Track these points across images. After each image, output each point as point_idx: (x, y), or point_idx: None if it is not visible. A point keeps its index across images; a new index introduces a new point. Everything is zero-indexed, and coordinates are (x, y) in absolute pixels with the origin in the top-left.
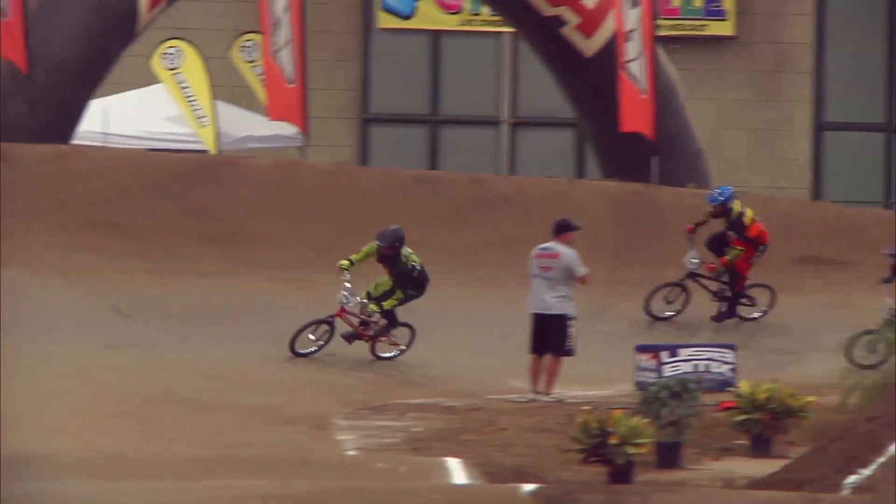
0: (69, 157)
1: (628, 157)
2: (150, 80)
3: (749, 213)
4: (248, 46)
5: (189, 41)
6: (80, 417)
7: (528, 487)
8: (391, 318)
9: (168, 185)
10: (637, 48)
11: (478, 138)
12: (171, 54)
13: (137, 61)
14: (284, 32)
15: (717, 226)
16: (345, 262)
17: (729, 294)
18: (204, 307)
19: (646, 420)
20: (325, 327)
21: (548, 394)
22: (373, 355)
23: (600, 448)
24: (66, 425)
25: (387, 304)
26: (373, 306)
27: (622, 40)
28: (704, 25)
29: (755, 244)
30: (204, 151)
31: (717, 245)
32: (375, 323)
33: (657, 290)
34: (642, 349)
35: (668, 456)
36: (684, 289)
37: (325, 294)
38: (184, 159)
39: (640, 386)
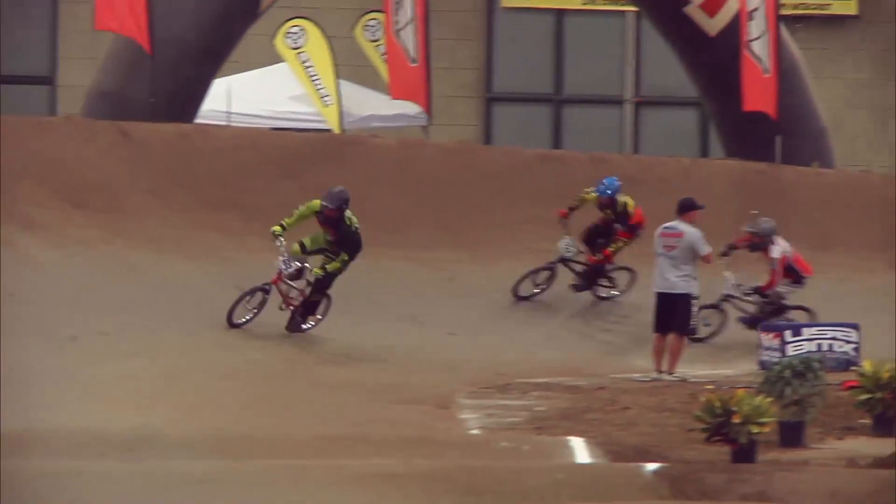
0: (192, 137)
1: (751, 137)
2: (274, 59)
3: (630, 201)
4: (372, 25)
5: (313, 20)
6: (204, 396)
7: (651, 467)
8: (325, 284)
9: (291, 164)
10: (760, 27)
11: (601, 117)
12: (294, 33)
13: (261, 40)
14: (407, 11)
15: (593, 216)
16: (277, 228)
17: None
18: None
19: (769, 399)
20: (260, 296)
21: (671, 373)
22: (290, 330)
23: (723, 427)
24: (191, 404)
25: (330, 267)
26: (317, 270)
27: (745, 19)
28: (828, 4)
29: (636, 231)
30: (327, 131)
31: (594, 237)
32: (302, 293)
33: (529, 274)
34: (766, 328)
35: (791, 435)
36: (553, 273)
37: (450, 272)
38: (307, 138)
39: (764, 365)
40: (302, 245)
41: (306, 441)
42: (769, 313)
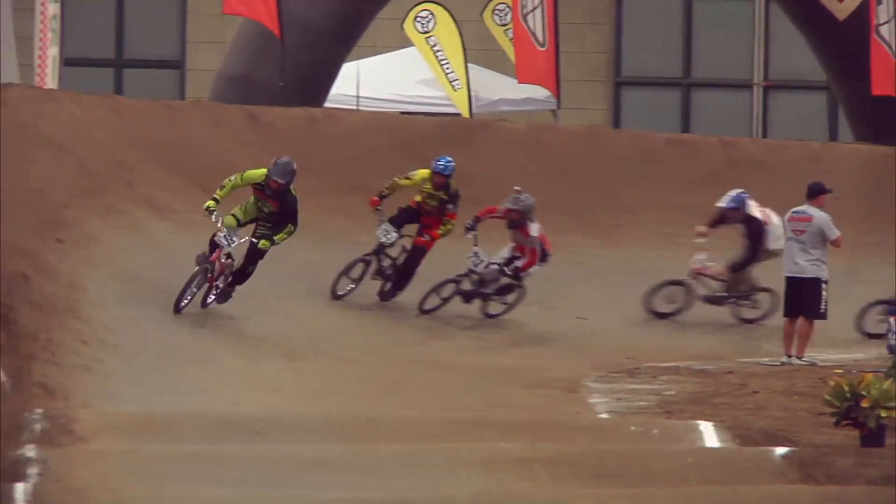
0: (320, 121)
1: (880, 121)
2: (403, 43)
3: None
4: (501, 10)
5: (442, 4)
6: (331, 380)
7: (781, 451)
8: (262, 255)
9: (419, 148)
10: (888, 11)
11: (730, 101)
12: (424, 18)
13: (390, 24)
14: None
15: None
16: (211, 203)
17: (395, 272)
18: (457, 264)
19: None
20: (361, 267)
21: (800, 357)
22: (219, 301)
23: (852, 411)
24: (317, 388)
25: (278, 238)
26: (265, 242)
27: (874, 3)
28: None
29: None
30: (456, 115)
31: (404, 219)
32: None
33: (344, 269)
34: (894, 311)
35: None
36: (369, 264)
37: (579, 256)
38: (436, 122)
39: (892, 349)
40: (236, 218)
41: (432, 425)
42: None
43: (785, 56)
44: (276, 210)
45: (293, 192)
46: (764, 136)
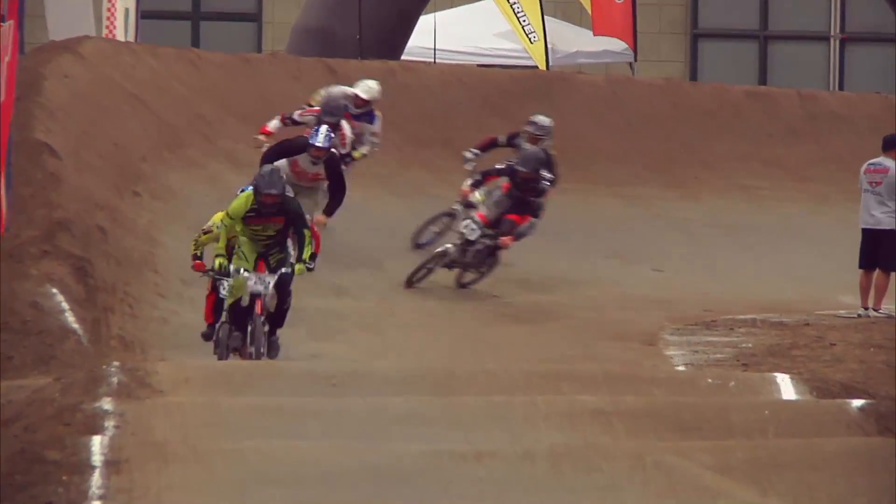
0: (398, 74)
1: None
2: None
3: None
4: None
5: None
6: (412, 333)
7: (858, 403)
8: (288, 287)
9: (498, 101)
10: None
11: (807, 54)
12: None
13: None
14: None
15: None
16: (223, 261)
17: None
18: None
19: None
20: (445, 220)
21: (877, 310)
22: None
23: None
24: (399, 341)
25: (307, 256)
26: (300, 267)
27: None
28: None
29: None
30: (533, 67)
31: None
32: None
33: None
34: None
35: None
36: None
37: (658, 209)
38: (513, 75)
39: None
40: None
41: (511, 377)
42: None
43: (861, 9)
44: (282, 226)
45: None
46: (840, 88)
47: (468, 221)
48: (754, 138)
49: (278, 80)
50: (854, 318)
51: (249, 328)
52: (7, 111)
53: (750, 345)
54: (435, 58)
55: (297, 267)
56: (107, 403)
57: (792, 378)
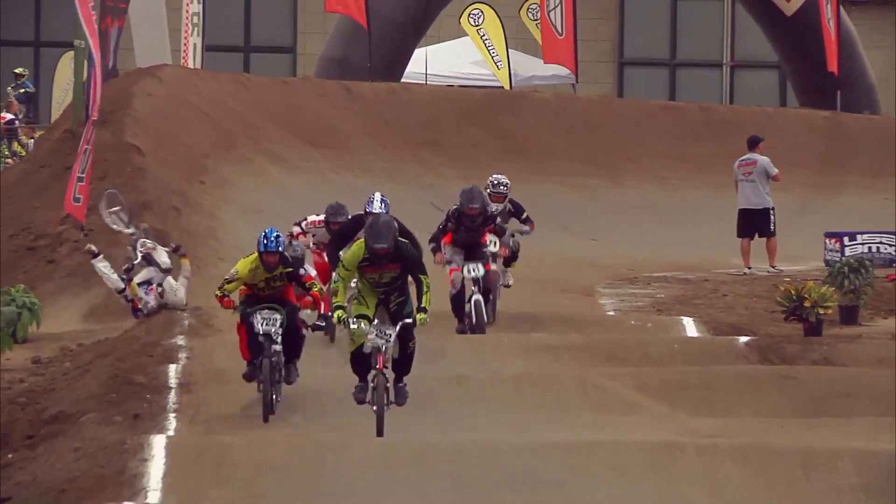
0: (399, 92)
1: (818, 91)
2: (460, 34)
3: None
4: (534, 8)
5: (489, 4)
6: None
7: (744, 339)
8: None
9: (473, 112)
10: (830, 9)
11: (705, 77)
12: (475, 14)
13: (450, 20)
14: None
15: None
16: (342, 313)
17: None
18: None
19: (832, 289)
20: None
21: (773, 266)
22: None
23: (798, 310)
24: None
25: (426, 302)
26: (422, 317)
27: (823, 3)
28: None
29: None
30: (500, 87)
31: None
32: None
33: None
34: (829, 235)
35: (848, 316)
36: None
37: (595, 193)
38: (485, 93)
39: (828, 263)
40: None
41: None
42: None
43: (747, 42)
44: (398, 272)
45: (400, 238)
46: (731, 103)
47: (468, 268)
48: (667, 140)
49: (308, 97)
50: (741, 275)
51: (371, 384)
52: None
53: (662, 295)
54: (426, 80)
55: (419, 317)
56: (180, 340)
57: (694, 320)
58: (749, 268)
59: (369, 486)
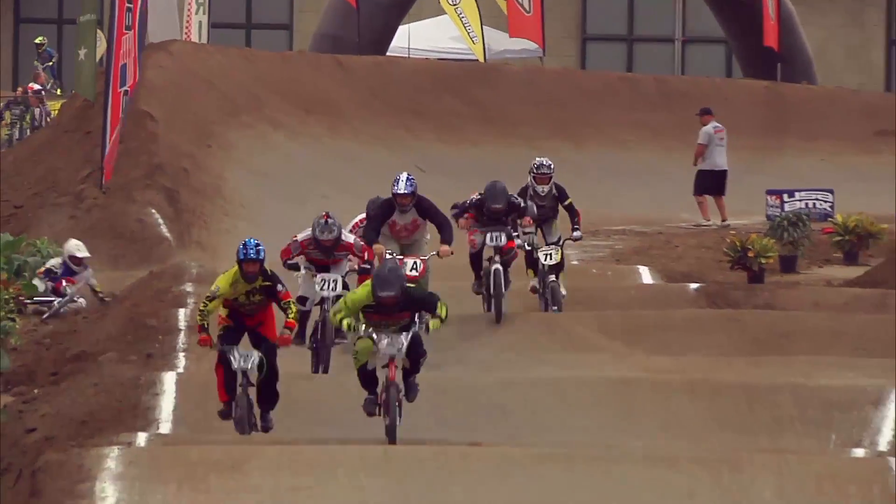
0: (385, 65)
1: (760, 64)
2: (439, 12)
3: None
4: None
5: None
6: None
7: (694, 286)
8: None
9: (451, 83)
10: None
11: (660, 51)
12: None
13: (430, 0)
14: None
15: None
16: (347, 324)
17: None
18: (479, 165)
19: (773, 240)
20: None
21: (724, 220)
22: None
23: (742, 259)
24: None
25: (434, 323)
26: (435, 322)
27: None
28: None
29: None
30: (475, 60)
31: None
32: None
33: None
34: (771, 192)
35: (787, 265)
36: None
37: (561, 156)
38: (462, 66)
39: (769, 218)
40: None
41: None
42: None
43: (697, 19)
44: (408, 320)
45: (409, 285)
46: (683, 74)
47: (490, 235)
48: (625, 108)
49: (304, 69)
50: (691, 228)
51: (382, 395)
52: (133, 92)
53: (621, 247)
54: (409, 54)
55: (432, 322)
56: (189, 287)
57: (649, 269)
58: (709, 220)
59: (355, 419)
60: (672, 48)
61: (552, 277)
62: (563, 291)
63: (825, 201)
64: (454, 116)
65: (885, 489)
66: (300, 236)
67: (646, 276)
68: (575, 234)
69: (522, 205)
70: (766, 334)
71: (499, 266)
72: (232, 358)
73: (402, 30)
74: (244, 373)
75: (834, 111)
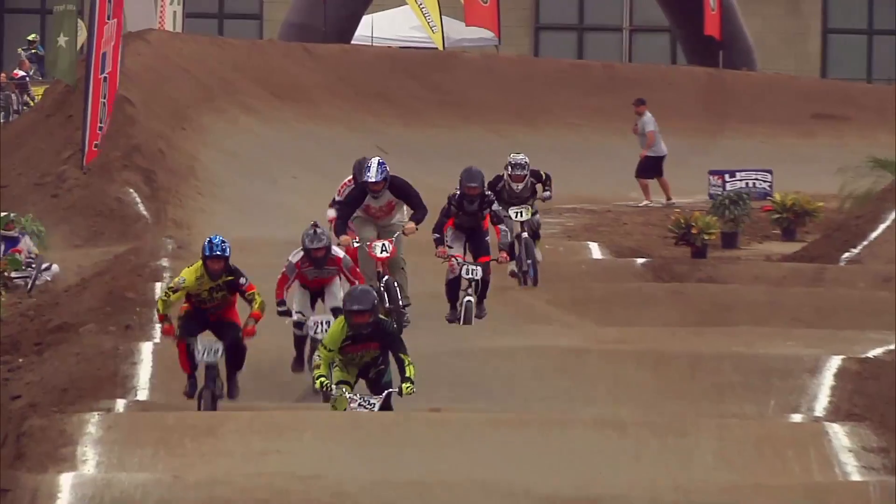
0: (350, 52)
1: (703, 51)
2: (401, 3)
3: None
4: None
5: None
6: None
7: (641, 260)
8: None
9: (412, 69)
10: None
11: (608, 39)
12: None
13: None
14: None
15: None
16: (324, 380)
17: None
18: (438, 146)
19: (715, 218)
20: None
21: (669, 198)
22: None
23: (686, 236)
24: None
25: (411, 372)
26: (408, 388)
27: None
28: None
29: None
30: (435, 48)
31: None
32: None
33: None
34: (713, 173)
35: (729, 240)
36: None
37: (516, 138)
38: (422, 53)
39: (712, 197)
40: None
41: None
42: None
43: (643, 9)
44: (378, 352)
45: (379, 316)
46: (630, 61)
47: (466, 268)
48: (575, 92)
49: (274, 57)
50: (638, 206)
51: None
52: (113, 78)
53: (572, 224)
54: (373, 42)
55: (404, 387)
56: (165, 262)
57: (599, 245)
58: (652, 201)
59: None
60: (620, 37)
61: (469, 297)
62: (539, 257)
63: (764, 181)
64: (415, 101)
65: (821, 452)
66: (293, 258)
67: (595, 251)
68: (545, 193)
69: (494, 207)
70: (708, 306)
71: (470, 299)
72: (196, 352)
73: (365, 19)
74: (210, 367)
75: (773, 96)
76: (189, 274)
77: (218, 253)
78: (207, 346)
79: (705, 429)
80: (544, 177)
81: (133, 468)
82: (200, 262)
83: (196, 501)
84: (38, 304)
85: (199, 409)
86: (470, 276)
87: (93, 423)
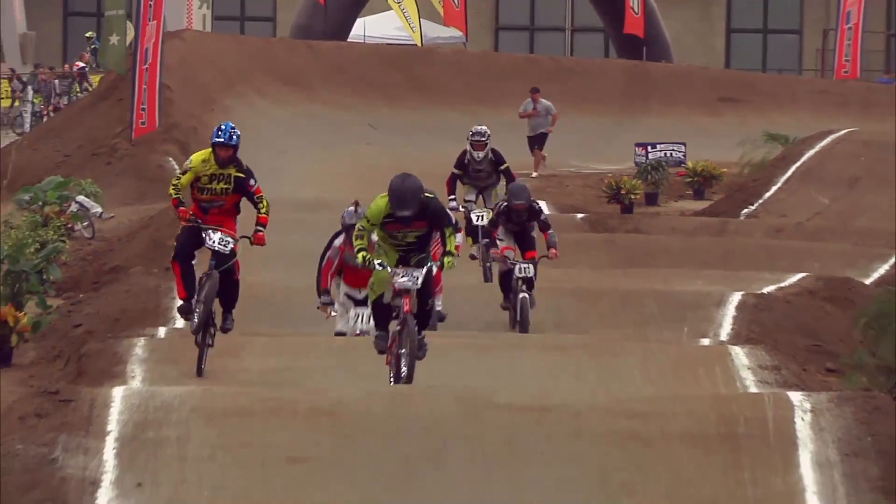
0: (346, 48)
1: (630, 47)
2: (387, 8)
3: None
4: None
5: None
6: (354, 180)
7: (580, 215)
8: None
9: (396, 62)
10: None
11: (554, 37)
12: None
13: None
14: None
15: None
16: (365, 255)
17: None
18: (416, 124)
19: (640, 181)
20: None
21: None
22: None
23: (616, 195)
24: (346, 184)
25: (450, 246)
26: (448, 260)
27: None
28: None
29: None
30: (415, 45)
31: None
32: None
33: None
34: (638, 145)
35: (651, 199)
36: None
37: (479, 118)
38: (405, 48)
39: (637, 164)
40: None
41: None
42: None
43: (583, 12)
44: (425, 231)
45: (426, 195)
46: (572, 56)
47: (519, 267)
48: (527, 82)
49: (282, 51)
50: (578, 173)
51: (398, 329)
52: (154, 69)
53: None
54: (364, 40)
55: (446, 260)
56: None
57: (546, 202)
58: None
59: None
60: (563, 36)
61: (523, 293)
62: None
63: (679, 151)
64: (397, 87)
65: (725, 369)
66: (336, 241)
67: (544, 207)
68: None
69: (543, 217)
70: (634, 252)
71: (524, 295)
72: (209, 238)
73: (358, 22)
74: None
75: (687, 83)
76: (197, 156)
77: (223, 140)
78: (222, 239)
79: (632, 351)
80: (504, 165)
81: (172, 382)
82: (210, 148)
83: (222, 408)
84: (95, 251)
85: (195, 342)
86: (523, 274)
87: (139, 347)
